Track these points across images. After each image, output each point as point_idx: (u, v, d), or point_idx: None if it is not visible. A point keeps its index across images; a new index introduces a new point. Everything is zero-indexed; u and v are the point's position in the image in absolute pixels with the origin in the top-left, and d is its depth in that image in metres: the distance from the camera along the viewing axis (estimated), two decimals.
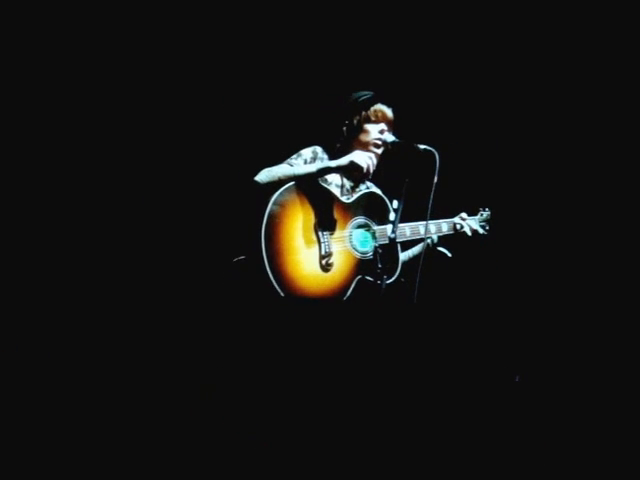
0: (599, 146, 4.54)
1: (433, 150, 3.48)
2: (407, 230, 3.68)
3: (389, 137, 3.66)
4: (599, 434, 3.81)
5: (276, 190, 3.40)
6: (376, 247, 3.56)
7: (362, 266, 3.54)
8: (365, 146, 3.67)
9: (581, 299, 4.48)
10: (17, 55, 4.23)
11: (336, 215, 3.54)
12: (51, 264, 4.20)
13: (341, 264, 3.49)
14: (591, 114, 4.55)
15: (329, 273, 3.46)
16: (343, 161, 3.54)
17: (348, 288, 3.48)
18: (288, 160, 3.57)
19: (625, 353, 4.28)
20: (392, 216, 3.52)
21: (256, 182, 3.44)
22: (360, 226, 3.60)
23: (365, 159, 3.53)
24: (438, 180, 3.43)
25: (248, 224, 3.37)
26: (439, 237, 3.86)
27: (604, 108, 4.51)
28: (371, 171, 3.57)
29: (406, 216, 3.56)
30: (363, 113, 3.67)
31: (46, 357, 3.99)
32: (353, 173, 3.61)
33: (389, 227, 3.53)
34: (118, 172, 4.35)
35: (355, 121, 3.68)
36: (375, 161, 3.60)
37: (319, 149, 3.66)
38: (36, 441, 3.54)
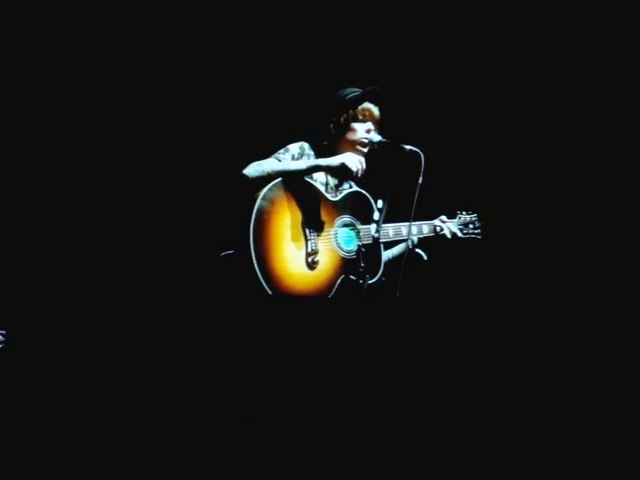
0: (586, 147, 4.61)
1: (419, 151, 3.50)
2: (390, 231, 3.68)
3: (375, 137, 3.66)
4: (592, 433, 3.85)
5: (264, 185, 3.39)
6: (359, 246, 3.56)
7: (346, 265, 3.54)
8: (352, 145, 3.66)
9: (565, 299, 4.54)
10: (16, 55, 4.19)
11: (323, 213, 3.53)
12: (31, 256, 4.13)
13: (326, 262, 3.49)
14: (578, 114, 4.61)
15: (314, 271, 3.45)
16: (334, 162, 3.53)
17: (333, 287, 3.47)
18: (275, 155, 3.54)
19: (610, 353, 4.34)
20: (376, 216, 3.54)
21: (245, 176, 3.41)
22: (346, 225, 3.60)
23: (356, 163, 3.52)
24: (422, 181, 3.45)
25: (236, 219, 3.35)
26: (419, 239, 3.88)
27: (591, 107, 4.58)
28: (360, 175, 3.57)
29: (389, 216, 3.57)
30: (351, 111, 3.66)
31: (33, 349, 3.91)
32: (341, 174, 3.61)
33: (373, 227, 3.53)
34: (105, 166, 4.30)
35: (342, 119, 3.66)
36: (365, 165, 3.59)
37: (306, 145, 3.64)
38: (35, 441, 3.47)
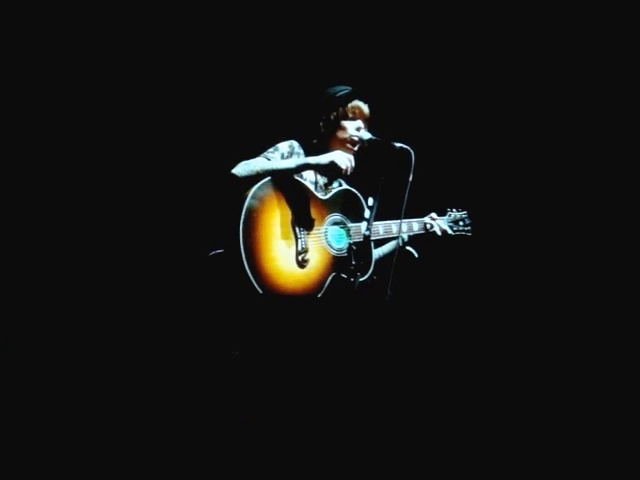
0: (575, 143, 4.61)
1: (409, 148, 3.49)
2: (380, 228, 3.68)
3: (365, 134, 3.65)
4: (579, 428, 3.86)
5: (253, 184, 3.37)
6: (350, 244, 3.56)
7: (337, 263, 3.52)
8: (342, 143, 3.65)
9: (555, 296, 4.55)
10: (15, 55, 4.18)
11: (313, 211, 3.52)
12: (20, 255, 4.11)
13: (317, 261, 3.48)
14: (566, 110, 4.62)
15: (305, 270, 3.44)
16: (323, 160, 3.52)
17: (323, 285, 3.46)
18: (265, 154, 3.52)
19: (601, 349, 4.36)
20: (367, 213, 3.54)
21: (234, 175, 3.40)
22: (336, 223, 3.59)
23: (345, 161, 3.52)
24: (413, 179, 3.45)
25: (226, 218, 3.33)
26: (409, 236, 3.87)
27: (579, 103, 4.59)
28: (349, 173, 3.56)
29: (379, 214, 3.56)
30: (340, 109, 3.65)
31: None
32: (330, 172, 3.60)
33: (364, 225, 3.54)
34: (93, 166, 4.27)
35: (332, 117, 3.65)
36: (354, 163, 3.59)
37: (296, 144, 3.63)
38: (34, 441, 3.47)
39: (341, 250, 3.55)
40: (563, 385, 4.25)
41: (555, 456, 3.75)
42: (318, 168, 3.56)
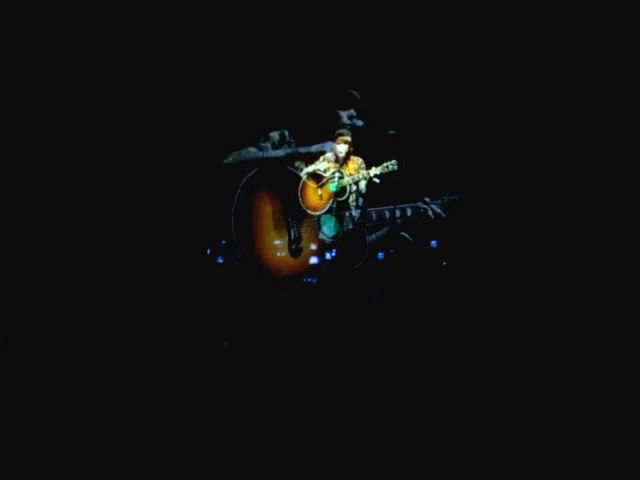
0: (570, 129, 4.60)
1: (401, 134, 3.49)
2: (373, 214, 3.69)
3: (358, 122, 3.67)
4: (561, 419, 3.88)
5: (245, 174, 3.40)
6: (344, 231, 3.57)
7: (330, 250, 3.54)
8: (334, 131, 3.65)
9: (548, 279, 4.56)
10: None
11: (304, 200, 3.53)
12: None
13: (310, 249, 3.50)
14: (562, 97, 4.61)
15: (298, 258, 3.46)
16: (313, 149, 3.55)
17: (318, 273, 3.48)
18: (256, 143, 3.55)
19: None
20: (360, 200, 3.57)
21: (225, 165, 3.44)
22: (328, 211, 3.60)
23: (336, 149, 3.54)
24: (406, 164, 3.46)
25: (218, 208, 3.36)
26: (403, 221, 3.88)
27: (575, 91, 4.58)
28: (340, 161, 3.58)
29: (372, 200, 3.58)
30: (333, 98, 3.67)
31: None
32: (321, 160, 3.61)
33: (356, 211, 3.56)
34: (84, 159, 4.26)
35: (325, 105, 3.66)
36: (345, 151, 3.60)
37: (287, 133, 3.65)
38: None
39: (334, 237, 3.57)
40: (558, 377, 4.26)
41: (553, 454, 3.77)
42: (309, 157, 3.57)
